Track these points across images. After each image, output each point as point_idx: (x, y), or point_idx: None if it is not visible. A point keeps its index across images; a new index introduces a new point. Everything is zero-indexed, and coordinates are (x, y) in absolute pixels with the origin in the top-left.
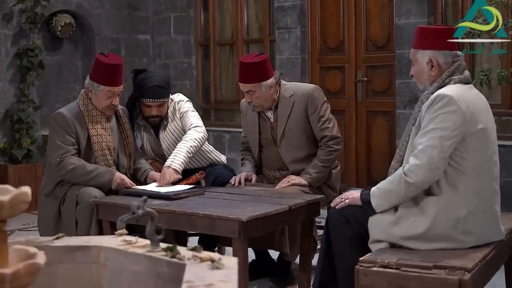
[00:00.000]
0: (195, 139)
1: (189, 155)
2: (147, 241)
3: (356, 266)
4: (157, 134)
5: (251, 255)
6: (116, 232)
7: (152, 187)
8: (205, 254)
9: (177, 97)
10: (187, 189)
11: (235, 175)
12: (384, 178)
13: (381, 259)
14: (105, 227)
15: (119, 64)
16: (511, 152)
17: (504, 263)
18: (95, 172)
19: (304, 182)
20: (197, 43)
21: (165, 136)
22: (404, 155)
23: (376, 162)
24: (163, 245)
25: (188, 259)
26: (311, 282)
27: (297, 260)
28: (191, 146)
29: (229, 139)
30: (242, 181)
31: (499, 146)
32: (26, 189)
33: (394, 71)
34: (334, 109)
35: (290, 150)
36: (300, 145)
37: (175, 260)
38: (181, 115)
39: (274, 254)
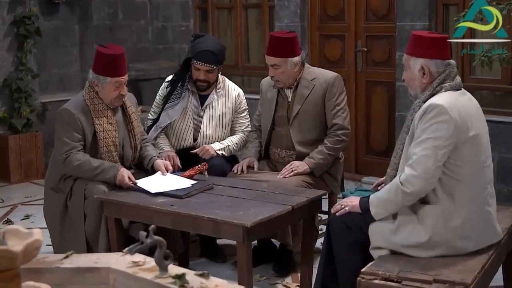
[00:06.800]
0: (241, 144)
1: (229, 153)
2: (153, 263)
3: (358, 278)
4: (201, 104)
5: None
6: (124, 251)
7: (157, 176)
8: (213, 284)
9: (241, 91)
10: (194, 184)
11: (229, 163)
12: (382, 149)
13: (383, 271)
14: (110, 224)
15: (121, 54)
16: (510, 128)
17: (502, 263)
18: (100, 168)
19: (306, 167)
20: (195, 5)
21: (211, 113)
22: (398, 163)
23: (375, 131)
24: (171, 270)
25: None
26: (313, 273)
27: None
28: (235, 149)
29: None
30: (244, 168)
31: (499, 122)
32: (38, 236)
33: (394, 42)
34: None
35: (300, 131)
36: (311, 128)
37: None
38: (241, 110)
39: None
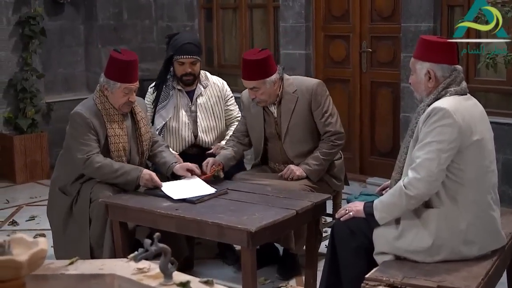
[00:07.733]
0: None
1: None
2: (158, 270)
3: (362, 284)
4: (191, 99)
5: None
6: (129, 257)
7: (182, 182)
8: None
9: (223, 80)
10: (211, 193)
11: (235, 166)
12: (387, 150)
13: (387, 277)
14: (115, 228)
15: (134, 60)
16: None
17: (506, 268)
18: (122, 170)
19: (302, 172)
20: (200, 5)
21: (202, 103)
22: (403, 167)
23: (380, 132)
24: (175, 277)
25: None
26: (318, 276)
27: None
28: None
29: None
30: (209, 168)
31: (503, 124)
32: (43, 245)
33: (399, 43)
34: (338, 78)
35: (294, 145)
36: (304, 140)
37: None
38: (228, 98)
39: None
